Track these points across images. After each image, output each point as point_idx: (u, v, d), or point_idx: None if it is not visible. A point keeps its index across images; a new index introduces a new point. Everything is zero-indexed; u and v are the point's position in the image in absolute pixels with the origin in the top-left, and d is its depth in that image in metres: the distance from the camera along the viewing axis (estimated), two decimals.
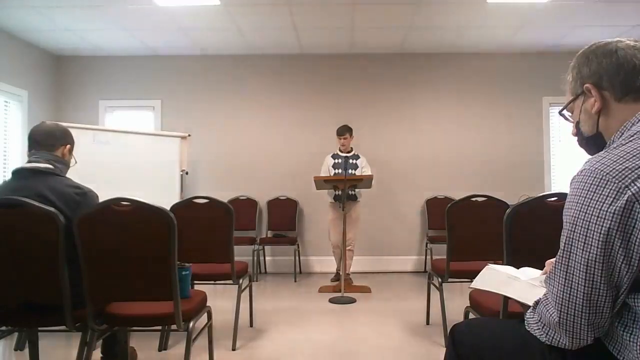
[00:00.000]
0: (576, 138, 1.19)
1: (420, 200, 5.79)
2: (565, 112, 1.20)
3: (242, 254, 4.51)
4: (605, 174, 0.94)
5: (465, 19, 4.75)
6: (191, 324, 2.07)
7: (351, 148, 5.05)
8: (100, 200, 2.06)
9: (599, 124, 1.10)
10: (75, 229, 1.93)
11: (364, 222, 5.21)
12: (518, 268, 1.39)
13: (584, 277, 0.95)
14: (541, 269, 1.33)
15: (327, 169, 5.03)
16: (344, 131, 4.96)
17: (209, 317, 2.43)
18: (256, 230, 5.70)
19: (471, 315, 2.29)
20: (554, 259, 1.04)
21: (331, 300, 4.23)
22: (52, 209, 1.91)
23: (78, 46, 5.52)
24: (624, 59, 1.05)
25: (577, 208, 0.97)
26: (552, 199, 1.95)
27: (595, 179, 0.95)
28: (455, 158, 5.83)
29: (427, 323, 3.44)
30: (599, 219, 0.92)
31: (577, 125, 1.16)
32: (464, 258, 2.93)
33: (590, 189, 0.95)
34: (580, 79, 1.12)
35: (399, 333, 3.27)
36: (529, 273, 1.32)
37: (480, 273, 1.39)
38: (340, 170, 4.87)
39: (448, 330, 1.59)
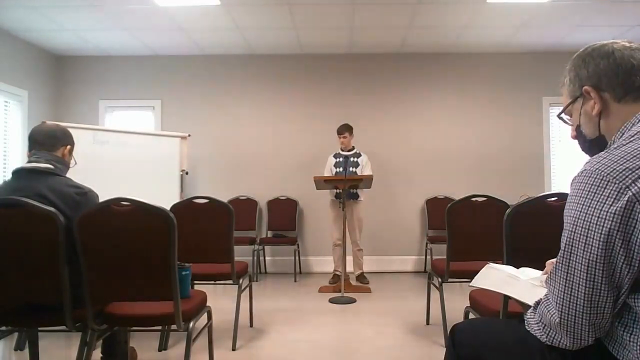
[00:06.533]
0: (577, 142, 1.18)
1: (420, 200, 5.79)
2: (563, 115, 1.20)
3: (242, 254, 4.51)
4: (605, 174, 0.94)
5: (465, 19, 4.75)
6: (191, 324, 2.07)
7: (352, 146, 5.06)
8: (100, 200, 2.06)
9: (600, 126, 1.10)
10: (75, 229, 1.93)
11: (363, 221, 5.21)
12: (518, 268, 1.39)
13: (584, 278, 0.95)
14: (541, 269, 1.33)
15: (329, 168, 5.06)
16: (344, 130, 4.98)
17: (209, 317, 2.43)
18: (256, 230, 5.70)
19: (471, 315, 2.29)
20: (555, 259, 1.04)
21: (331, 300, 4.23)
22: (52, 209, 1.91)
23: (78, 46, 5.52)
24: (622, 60, 1.06)
25: (577, 209, 0.97)
26: (552, 199, 1.95)
27: (596, 180, 0.95)
28: (455, 158, 5.83)
29: (427, 323, 3.44)
30: (599, 219, 0.92)
31: (577, 128, 1.16)
32: (464, 258, 2.92)
33: (591, 190, 0.95)
34: (579, 81, 1.12)
35: (399, 333, 3.27)
36: (529, 273, 1.32)
37: (480, 272, 1.39)
38: (341, 169, 4.88)
39: (448, 330, 1.59)
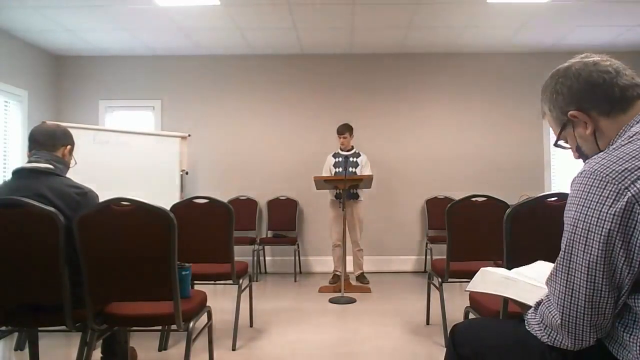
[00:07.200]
0: (582, 161, 1.18)
1: (420, 200, 5.79)
2: (560, 142, 1.20)
3: (242, 254, 4.51)
4: (605, 175, 0.94)
5: (465, 19, 4.74)
6: (191, 324, 2.07)
7: (352, 146, 5.06)
8: (100, 200, 2.06)
9: (599, 145, 1.10)
10: (75, 229, 1.93)
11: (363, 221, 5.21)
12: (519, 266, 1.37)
13: (585, 279, 0.95)
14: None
15: (328, 168, 5.06)
16: (344, 130, 4.98)
17: (209, 317, 2.43)
18: (256, 230, 5.70)
19: (471, 315, 2.29)
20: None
21: (331, 300, 4.23)
22: (52, 209, 1.91)
23: (78, 46, 5.52)
24: (590, 77, 1.07)
25: (577, 210, 0.97)
26: (552, 199, 1.94)
27: (595, 181, 0.95)
28: (455, 158, 5.83)
29: (427, 323, 3.44)
30: (599, 220, 0.92)
31: (577, 149, 1.16)
32: (464, 258, 2.92)
33: (591, 191, 0.95)
34: (559, 108, 1.13)
35: (399, 333, 3.27)
36: (542, 268, 1.30)
37: (475, 276, 1.37)
38: (340, 169, 4.88)
39: (448, 330, 1.59)
